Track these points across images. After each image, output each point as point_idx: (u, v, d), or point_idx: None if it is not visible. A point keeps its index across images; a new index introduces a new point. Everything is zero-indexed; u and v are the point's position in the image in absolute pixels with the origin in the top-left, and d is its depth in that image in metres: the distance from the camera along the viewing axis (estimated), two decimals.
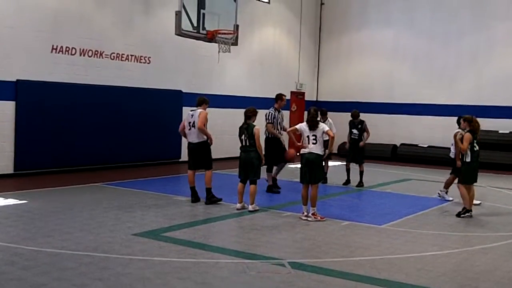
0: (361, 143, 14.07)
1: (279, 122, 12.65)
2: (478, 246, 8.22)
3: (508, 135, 19.15)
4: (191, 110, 10.88)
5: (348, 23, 23.09)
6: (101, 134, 15.18)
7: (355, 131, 14.22)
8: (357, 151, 14.12)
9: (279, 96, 12.91)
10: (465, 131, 10.45)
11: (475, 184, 10.65)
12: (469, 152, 10.31)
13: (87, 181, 13.14)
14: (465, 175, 10.47)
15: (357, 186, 13.84)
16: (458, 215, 10.37)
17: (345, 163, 14.41)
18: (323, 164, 13.99)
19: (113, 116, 15.51)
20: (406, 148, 21.00)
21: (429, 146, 19.85)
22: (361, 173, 14.01)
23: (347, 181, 14.13)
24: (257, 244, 8.08)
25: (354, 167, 14.20)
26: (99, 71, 15.27)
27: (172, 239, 8.03)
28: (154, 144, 16.68)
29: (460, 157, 10.55)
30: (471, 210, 10.40)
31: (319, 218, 9.62)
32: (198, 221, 9.41)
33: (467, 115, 10.74)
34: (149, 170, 15.49)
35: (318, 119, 10.49)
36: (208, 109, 11.03)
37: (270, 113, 12.54)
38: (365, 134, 14.22)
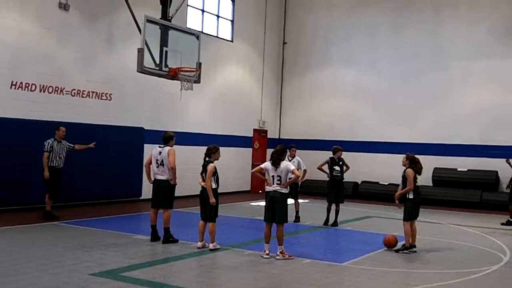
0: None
1: (59, 154, 13.03)
2: (438, 283, 8.26)
3: (466, 173, 19.53)
4: (159, 147, 10.79)
5: (310, 62, 23.45)
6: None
7: (337, 168, 13.80)
8: (339, 190, 13.83)
9: (57, 127, 13.21)
10: (407, 167, 10.63)
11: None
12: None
13: (45, 219, 12.83)
14: (409, 211, 10.64)
15: (332, 225, 13.65)
16: (397, 251, 10.53)
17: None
18: (294, 202, 14.10)
19: (72, 154, 15.24)
20: (367, 186, 21.21)
21: (389, 184, 20.08)
22: (337, 212, 13.78)
23: (327, 221, 13.80)
24: (218, 283, 7.98)
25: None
26: (60, 107, 15.12)
27: (131, 279, 7.86)
28: (115, 182, 16.46)
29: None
30: (414, 246, 10.58)
31: (287, 256, 9.56)
32: (158, 261, 9.27)
33: (410, 154, 10.90)
34: (109, 209, 15.24)
35: (286, 157, 10.43)
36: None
37: (49, 143, 12.90)
38: (344, 168, 13.90)
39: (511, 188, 15.38)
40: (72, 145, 13.50)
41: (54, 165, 13.02)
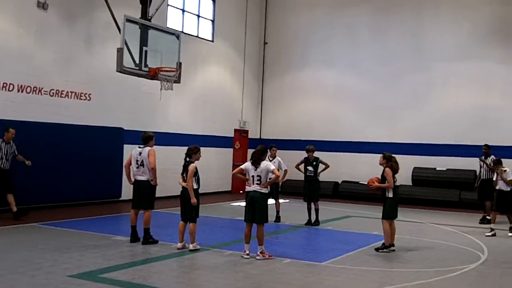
0: (318, 174, 13.93)
1: (6, 155, 12.98)
2: (416, 282, 8.31)
3: (445, 172, 19.71)
4: (139, 147, 10.72)
5: (291, 63, 23.47)
6: (38, 172, 14.72)
7: (310, 168, 13.90)
8: (313, 189, 13.88)
9: (6, 129, 13.12)
10: (384, 166, 10.69)
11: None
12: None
13: (23, 221, 12.69)
14: (388, 210, 10.70)
15: (313, 224, 13.74)
16: (377, 250, 10.60)
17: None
18: (275, 202, 14.12)
19: (51, 154, 15.14)
20: (347, 185, 21.30)
21: None
22: (317, 211, 13.87)
23: (309, 221, 13.87)
24: (198, 284, 7.96)
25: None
26: (38, 107, 14.95)
27: (110, 280, 7.81)
28: (94, 182, 16.32)
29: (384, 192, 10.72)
30: (392, 245, 10.64)
31: (267, 256, 9.56)
32: (137, 262, 9.21)
33: (387, 153, 10.96)
34: (88, 210, 15.11)
35: (267, 157, 10.40)
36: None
37: None
38: (320, 167, 13.90)
39: (478, 187, 15.67)
40: (17, 153, 13.33)
41: (0, 166, 12.89)
